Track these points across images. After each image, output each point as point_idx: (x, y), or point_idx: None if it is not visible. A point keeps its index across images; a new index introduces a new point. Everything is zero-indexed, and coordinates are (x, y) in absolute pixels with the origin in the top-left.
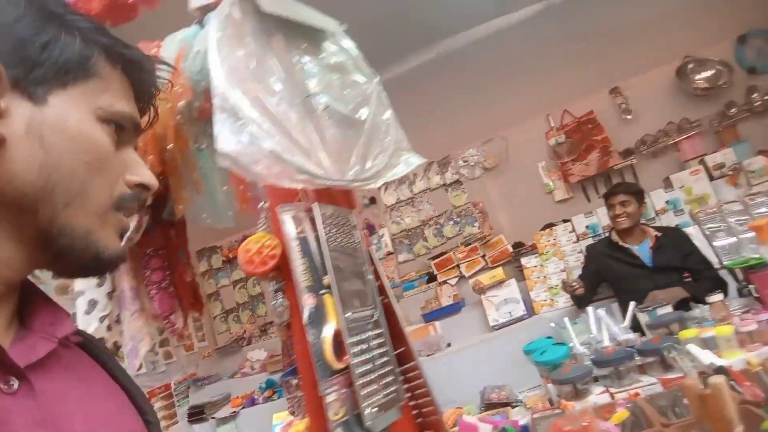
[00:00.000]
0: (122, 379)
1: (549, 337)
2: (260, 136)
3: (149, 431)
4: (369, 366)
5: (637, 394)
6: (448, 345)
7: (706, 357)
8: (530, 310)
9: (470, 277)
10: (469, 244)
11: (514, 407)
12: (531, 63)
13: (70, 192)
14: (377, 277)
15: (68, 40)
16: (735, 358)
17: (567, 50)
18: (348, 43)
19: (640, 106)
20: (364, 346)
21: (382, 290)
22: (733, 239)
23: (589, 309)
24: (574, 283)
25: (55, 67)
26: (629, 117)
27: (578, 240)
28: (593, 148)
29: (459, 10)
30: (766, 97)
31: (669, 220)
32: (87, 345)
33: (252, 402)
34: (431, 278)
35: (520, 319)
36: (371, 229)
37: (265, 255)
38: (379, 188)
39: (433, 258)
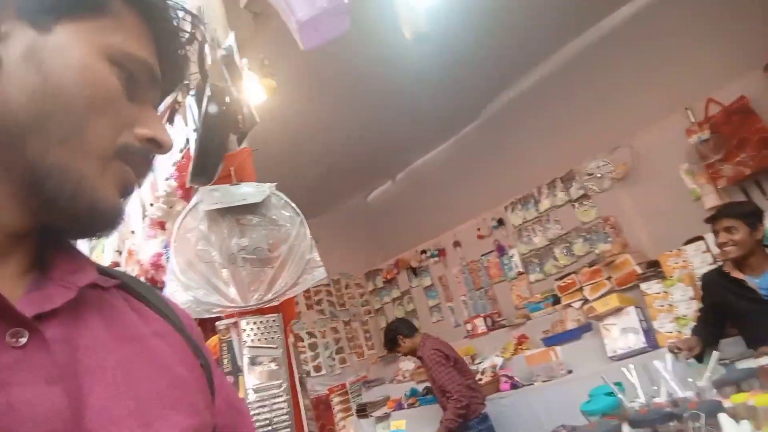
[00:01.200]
0: (171, 317)
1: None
2: (190, 289)
3: (204, 373)
4: (266, 423)
5: None
6: (569, 372)
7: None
8: (653, 342)
9: (594, 300)
10: (594, 264)
11: None
12: (663, 49)
13: (65, 126)
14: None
15: None
16: None
17: (708, 26)
18: (277, 200)
19: None
20: (265, 409)
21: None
22: None
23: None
24: (681, 345)
25: None
26: None
27: (715, 261)
28: (748, 142)
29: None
30: None
31: None
32: (127, 286)
33: (400, 406)
34: (556, 300)
35: (642, 351)
36: (501, 250)
37: (213, 347)
38: (506, 209)
39: (559, 279)
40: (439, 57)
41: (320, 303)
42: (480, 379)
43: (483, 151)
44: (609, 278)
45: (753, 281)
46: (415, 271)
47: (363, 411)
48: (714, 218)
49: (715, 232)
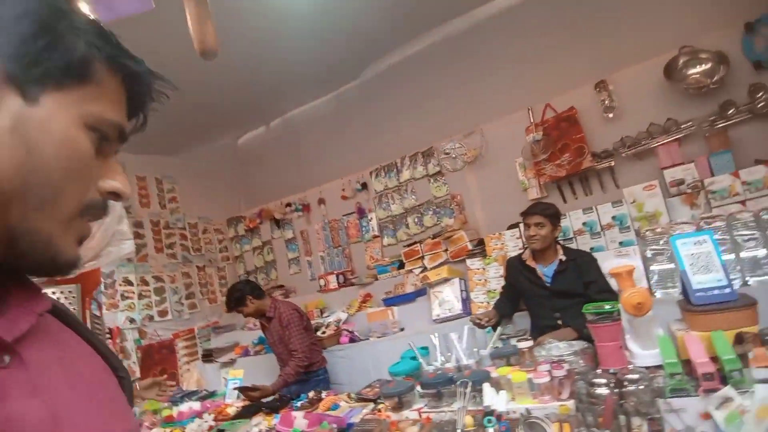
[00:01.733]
0: (93, 340)
1: (424, 347)
2: None
3: (122, 385)
4: None
5: (429, 419)
6: (402, 329)
7: (494, 399)
8: (468, 310)
9: (432, 269)
10: (437, 236)
11: (377, 404)
12: (516, 53)
13: (43, 195)
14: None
15: (71, 43)
16: (529, 405)
17: (554, 39)
18: None
19: (627, 103)
20: None
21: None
22: (671, 266)
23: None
24: (481, 317)
25: (54, 69)
26: (611, 116)
27: (523, 247)
28: (568, 148)
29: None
30: None
31: (584, 242)
32: (57, 312)
33: (246, 353)
34: (401, 265)
35: (458, 317)
36: (361, 212)
37: None
38: (371, 174)
39: (407, 246)
40: (324, 10)
41: (172, 246)
42: (324, 332)
43: (358, 112)
44: (446, 250)
45: (542, 270)
46: (278, 223)
47: (209, 356)
48: (528, 213)
49: (527, 225)
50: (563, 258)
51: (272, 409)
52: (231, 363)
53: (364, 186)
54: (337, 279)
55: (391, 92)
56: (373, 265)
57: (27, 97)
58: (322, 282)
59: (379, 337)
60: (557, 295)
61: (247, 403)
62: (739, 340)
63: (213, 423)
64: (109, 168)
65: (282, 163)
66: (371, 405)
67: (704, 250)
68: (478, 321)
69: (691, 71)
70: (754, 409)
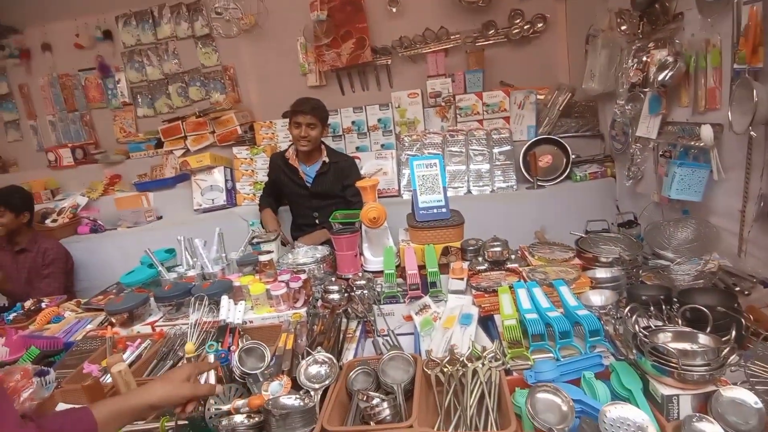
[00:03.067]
0: None
1: (171, 249)
2: None
3: None
4: None
5: (161, 334)
6: (159, 218)
7: (230, 311)
8: (233, 201)
9: (195, 152)
10: (205, 114)
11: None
12: None
13: None
14: None
15: None
16: (266, 314)
17: None
18: None
19: (410, 0)
20: None
21: None
22: None
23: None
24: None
25: None
26: (394, 10)
27: (290, 145)
28: (350, 37)
29: None
30: (526, 26)
31: (351, 140)
32: None
33: None
34: (160, 144)
35: (222, 207)
36: (105, 70)
37: None
38: (116, 21)
39: (168, 121)
40: None
41: None
42: (55, 220)
43: None
44: (213, 132)
45: (304, 170)
46: None
47: None
48: (299, 111)
49: (296, 124)
50: (326, 160)
51: None
52: None
53: (108, 35)
54: (74, 153)
55: None
56: (124, 140)
57: None
58: (52, 156)
59: (129, 227)
60: (316, 196)
61: None
62: (446, 252)
63: None
64: None
65: None
66: (103, 316)
67: (432, 172)
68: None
69: None
70: (443, 318)
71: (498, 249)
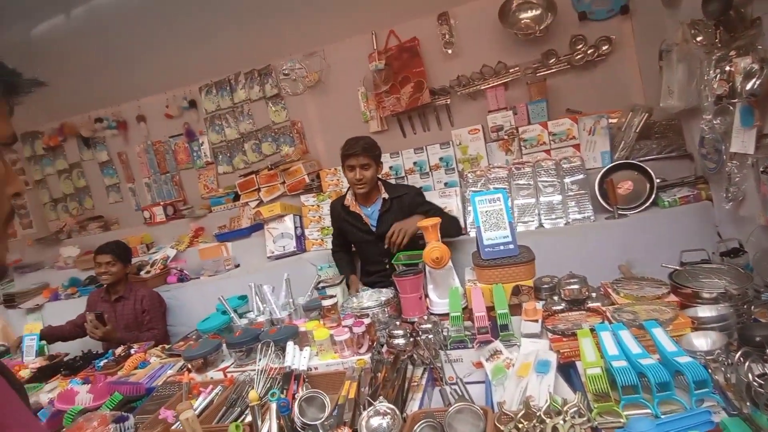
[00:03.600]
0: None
1: (244, 296)
2: None
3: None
4: None
5: (231, 380)
6: (237, 266)
7: (295, 357)
8: (302, 247)
9: (268, 203)
10: (277, 166)
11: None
12: None
13: None
14: None
15: None
16: (330, 360)
17: None
18: None
19: (465, 40)
20: None
21: None
22: None
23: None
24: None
25: None
26: (450, 51)
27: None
28: (408, 81)
29: None
30: (590, 51)
31: (414, 181)
32: None
33: (56, 297)
34: (237, 197)
35: (293, 254)
36: (191, 135)
37: None
38: (200, 91)
39: (243, 176)
40: None
41: None
42: (149, 272)
43: (184, 10)
44: (283, 183)
45: (366, 212)
46: (87, 142)
47: (11, 301)
48: (351, 154)
49: (350, 167)
50: (386, 197)
51: (71, 371)
52: (38, 308)
53: (192, 104)
54: (165, 210)
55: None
56: (207, 195)
57: None
58: (147, 214)
59: (211, 276)
60: (383, 238)
61: (45, 363)
62: (516, 291)
63: None
64: (8, 172)
65: (88, 67)
66: (182, 361)
67: (496, 207)
68: None
69: (523, 15)
70: (517, 366)
71: (576, 287)
